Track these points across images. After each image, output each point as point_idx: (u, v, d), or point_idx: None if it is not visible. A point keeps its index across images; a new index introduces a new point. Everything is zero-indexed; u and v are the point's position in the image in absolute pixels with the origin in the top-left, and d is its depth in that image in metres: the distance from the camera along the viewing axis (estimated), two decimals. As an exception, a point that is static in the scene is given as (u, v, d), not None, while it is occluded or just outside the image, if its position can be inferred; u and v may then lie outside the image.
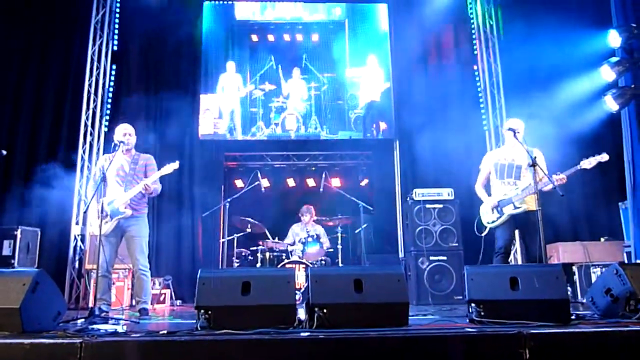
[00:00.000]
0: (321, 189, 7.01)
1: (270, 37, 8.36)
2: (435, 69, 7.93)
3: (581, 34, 6.55)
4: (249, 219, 6.71)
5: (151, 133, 7.31)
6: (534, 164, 4.26)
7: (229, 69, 8.15)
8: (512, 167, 4.75)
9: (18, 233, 6.06)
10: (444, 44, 8.06)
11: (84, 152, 7.34)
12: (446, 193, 6.43)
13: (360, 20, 8.47)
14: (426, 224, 6.29)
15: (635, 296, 3.25)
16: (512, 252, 6.87)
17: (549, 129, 6.39)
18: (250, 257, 6.70)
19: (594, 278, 6.00)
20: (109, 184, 4.66)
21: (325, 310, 3.04)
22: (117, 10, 7.97)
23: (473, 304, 3.25)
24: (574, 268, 6.28)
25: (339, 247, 6.66)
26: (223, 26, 8.34)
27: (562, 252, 6.38)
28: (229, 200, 6.70)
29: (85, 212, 6.64)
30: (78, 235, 7.05)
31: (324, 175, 7.16)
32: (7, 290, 2.99)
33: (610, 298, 3.43)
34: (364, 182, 8.59)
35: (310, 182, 8.53)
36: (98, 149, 7.52)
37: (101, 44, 7.75)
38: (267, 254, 6.58)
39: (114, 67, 7.85)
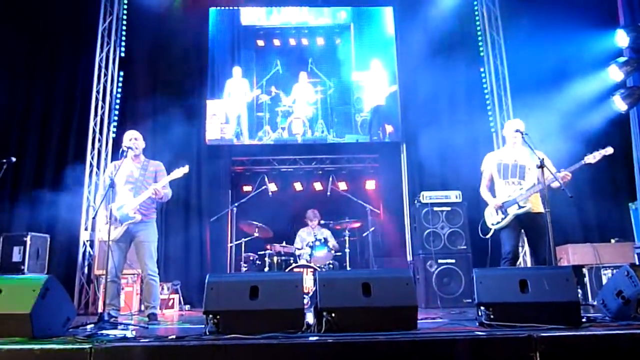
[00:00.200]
0: (328, 193, 7.00)
1: (276, 42, 8.39)
2: (441, 71, 7.90)
3: (588, 34, 6.52)
4: (257, 224, 6.72)
5: (158, 138, 7.37)
6: (542, 166, 4.22)
7: (235, 75, 8.18)
8: (516, 167, 4.71)
9: (28, 239, 6.11)
10: (450, 46, 8.03)
11: (92, 158, 7.40)
12: (454, 196, 6.40)
13: (366, 23, 8.48)
14: (434, 227, 6.26)
15: (647, 298, 3.23)
16: (522, 255, 6.83)
17: (557, 129, 6.37)
18: (258, 262, 6.71)
19: (604, 280, 5.95)
20: (118, 189, 4.69)
21: (333, 314, 3.04)
22: (124, 17, 8.04)
23: (482, 307, 3.23)
24: (584, 270, 6.22)
25: (347, 250, 6.64)
26: (229, 31, 8.39)
27: (572, 254, 6.33)
28: (236, 204, 6.71)
29: (94, 218, 6.69)
30: (87, 241, 7.10)
31: (331, 179, 7.16)
32: (17, 296, 3.02)
33: (621, 300, 3.40)
34: (371, 186, 8.57)
35: (318, 186, 8.52)
36: (106, 155, 7.57)
37: (108, 50, 7.82)
38: (275, 258, 6.59)
39: (121, 73, 7.91)
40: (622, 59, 5.73)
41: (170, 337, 2.85)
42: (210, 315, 3.07)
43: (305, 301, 4.88)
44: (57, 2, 7.64)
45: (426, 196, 6.39)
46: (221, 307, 3.09)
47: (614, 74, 5.77)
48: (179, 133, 7.41)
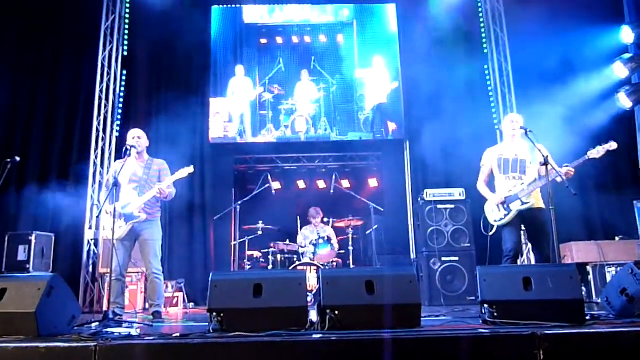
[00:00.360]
0: (332, 191, 7.00)
1: (279, 40, 8.39)
2: (444, 67, 7.87)
3: (592, 30, 6.49)
4: (260, 222, 6.73)
5: (162, 137, 7.38)
6: (546, 163, 4.20)
7: (238, 73, 8.18)
8: (517, 162, 4.66)
9: (33, 238, 6.14)
10: (454, 42, 8.00)
11: (96, 157, 7.42)
12: (457, 193, 6.39)
13: (369, 20, 8.46)
14: (438, 225, 6.26)
15: (652, 296, 3.22)
16: (526, 252, 6.81)
17: (560, 126, 6.34)
18: (261, 260, 6.72)
19: (608, 278, 5.94)
20: (122, 188, 4.69)
21: (337, 312, 3.04)
22: (127, 15, 8.06)
23: (486, 305, 3.22)
24: (589, 268, 6.21)
25: (350, 248, 6.65)
26: (232, 30, 8.38)
27: (576, 252, 6.31)
28: (239, 203, 6.72)
29: (98, 217, 6.72)
30: (91, 239, 7.13)
31: (334, 177, 7.15)
32: (22, 295, 3.04)
33: (625, 298, 3.39)
34: (375, 183, 8.56)
35: (321, 184, 8.53)
36: (110, 154, 7.60)
37: (111, 49, 7.84)
38: (279, 256, 6.60)
39: (124, 72, 7.94)
40: (627, 56, 5.72)
41: (174, 335, 2.86)
42: (214, 313, 3.08)
43: (309, 299, 4.91)
44: (60, 2, 7.66)
45: (430, 194, 6.38)
46: (225, 305, 3.10)
47: (619, 70, 5.75)
48: (182, 131, 7.43)
